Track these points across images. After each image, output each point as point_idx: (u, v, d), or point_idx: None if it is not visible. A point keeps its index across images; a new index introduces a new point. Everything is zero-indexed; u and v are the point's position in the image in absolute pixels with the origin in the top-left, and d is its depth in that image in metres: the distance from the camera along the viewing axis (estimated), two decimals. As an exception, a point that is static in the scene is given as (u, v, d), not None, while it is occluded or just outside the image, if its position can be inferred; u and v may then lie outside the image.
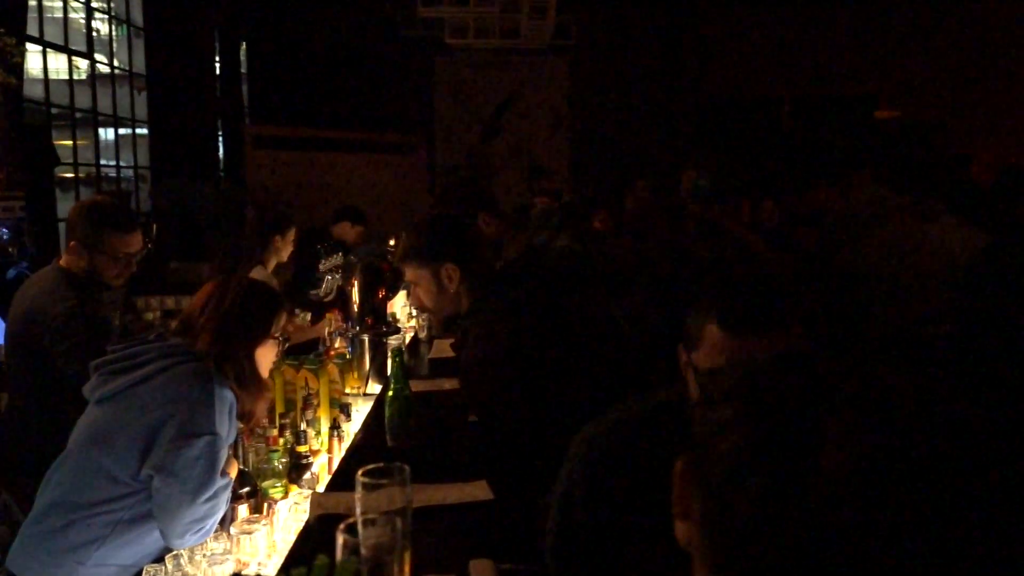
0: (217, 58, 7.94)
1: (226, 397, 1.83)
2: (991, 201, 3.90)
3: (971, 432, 0.61)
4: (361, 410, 2.63)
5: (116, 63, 7.53)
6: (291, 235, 3.57)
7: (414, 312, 3.59)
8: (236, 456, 2.08)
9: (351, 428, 2.49)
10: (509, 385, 1.92)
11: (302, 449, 2.20)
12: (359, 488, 1.28)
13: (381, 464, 1.33)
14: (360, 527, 1.17)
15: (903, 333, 3.32)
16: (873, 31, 8.27)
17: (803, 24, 8.34)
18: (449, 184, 7.52)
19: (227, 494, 1.84)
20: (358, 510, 1.24)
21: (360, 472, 1.29)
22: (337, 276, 3.52)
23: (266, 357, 1.99)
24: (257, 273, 3.35)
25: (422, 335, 3.49)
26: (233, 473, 1.91)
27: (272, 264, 3.55)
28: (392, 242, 4.19)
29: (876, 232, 3.56)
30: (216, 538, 1.76)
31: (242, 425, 1.98)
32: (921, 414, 0.62)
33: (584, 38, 7.95)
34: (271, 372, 2.54)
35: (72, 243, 2.52)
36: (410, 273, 2.21)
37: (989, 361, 2.78)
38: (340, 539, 1.10)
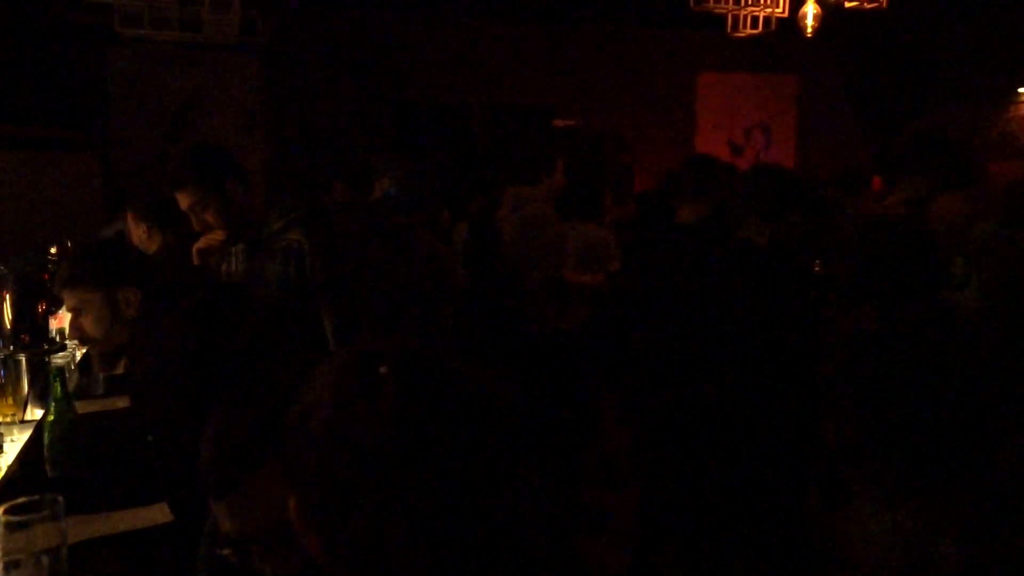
0: None
1: None
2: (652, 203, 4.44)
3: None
4: (18, 440, 2.33)
5: None
6: None
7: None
8: None
9: (4, 461, 2.19)
10: (185, 399, 1.83)
11: (-63, 492, 1.89)
12: (0, 528, 1.14)
13: (29, 498, 1.20)
14: (0, 571, 1.04)
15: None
16: (552, 46, 8.98)
17: (490, 37, 8.81)
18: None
19: None
20: (-1, 552, 1.10)
21: (1, 510, 1.15)
22: (-16, 290, 3.07)
23: None
24: None
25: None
26: None
27: None
28: (54, 250, 3.75)
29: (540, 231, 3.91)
30: None
31: None
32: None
33: (275, 35, 7.70)
34: None
35: None
36: (74, 299, 2.06)
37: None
38: (-31, 588, 0.97)
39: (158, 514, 1.69)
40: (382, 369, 0.72)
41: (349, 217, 3.84)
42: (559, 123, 8.40)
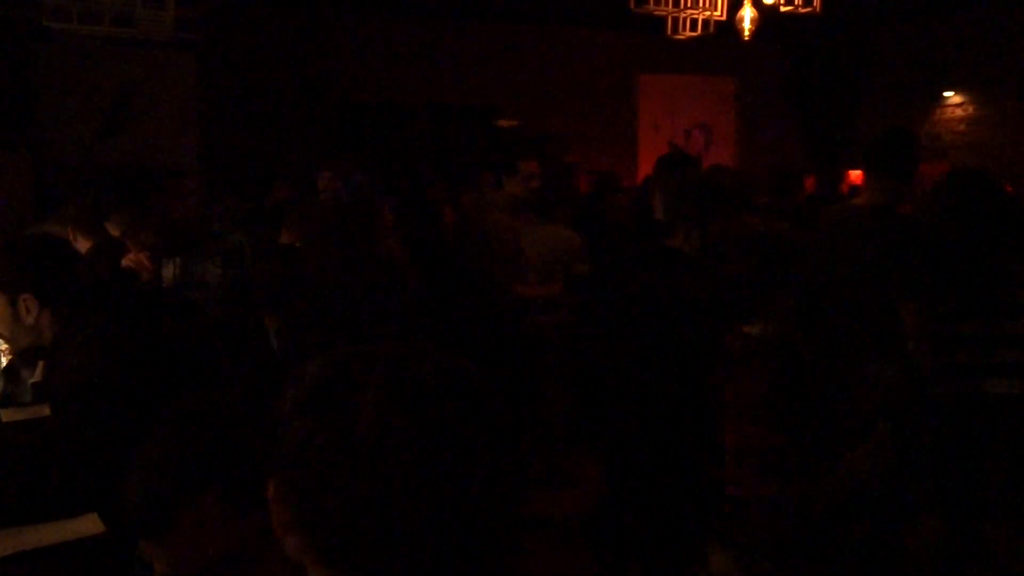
0: None
1: None
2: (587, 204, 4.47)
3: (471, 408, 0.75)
4: (-63, 452, 2.22)
5: None
6: None
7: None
8: None
9: (-78, 475, 2.09)
10: (107, 412, 1.79)
11: None
12: (-83, 544, 1.08)
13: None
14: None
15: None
16: (493, 47, 8.98)
17: (431, 37, 8.77)
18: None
19: None
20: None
21: (-82, 525, 1.10)
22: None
23: None
24: None
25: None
26: None
27: None
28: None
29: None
30: None
31: None
32: (437, 393, 0.73)
33: (213, 32, 7.54)
34: None
35: None
36: None
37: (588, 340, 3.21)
38: None
39: (88, 525, 1.63)
40: (372, 379, 0.73)
41: (298, 216, 3.78)
42: (503, 124, 8.41)
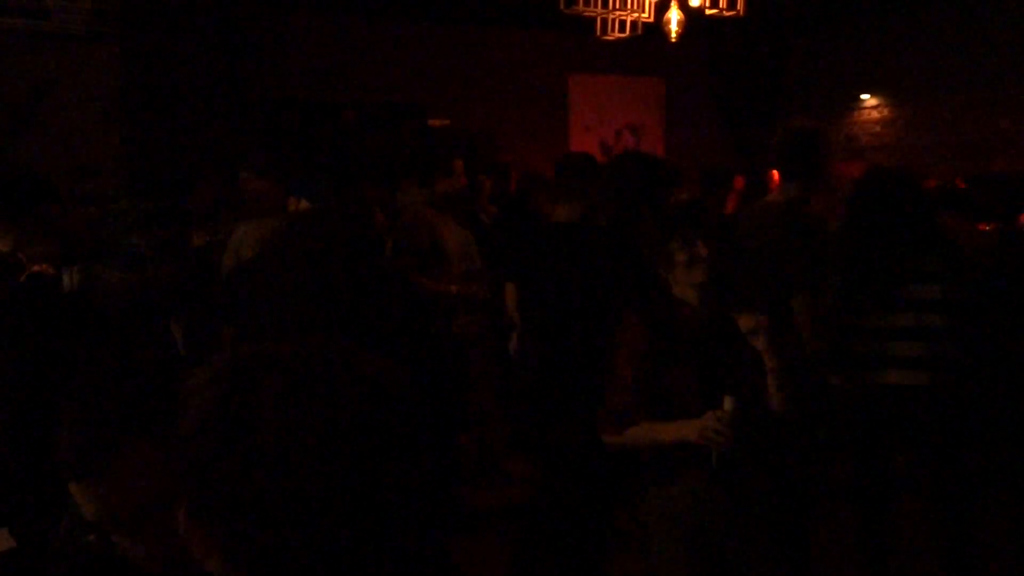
0: None
1: None
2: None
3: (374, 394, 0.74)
4: None
5: None
6: None
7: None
8: None
9: None
10: (12, 424, 1.72)
11: None
12: None
13: None
14: None
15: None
16: (423, 46, 8.93)
17: (361, 34, 8.67)
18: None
19: None
20: None
21: None
22: None
23: None
24: None
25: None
26: None
27: None
28: None
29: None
30: None
31: None
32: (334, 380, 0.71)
33: (135, 26, 7.30)
34: None
35: None
36: None
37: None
38: None
39: (-1, 540, 1.56)
40: (270, 380, 0.70)
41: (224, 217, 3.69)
42: (434, 122, 8.37)
